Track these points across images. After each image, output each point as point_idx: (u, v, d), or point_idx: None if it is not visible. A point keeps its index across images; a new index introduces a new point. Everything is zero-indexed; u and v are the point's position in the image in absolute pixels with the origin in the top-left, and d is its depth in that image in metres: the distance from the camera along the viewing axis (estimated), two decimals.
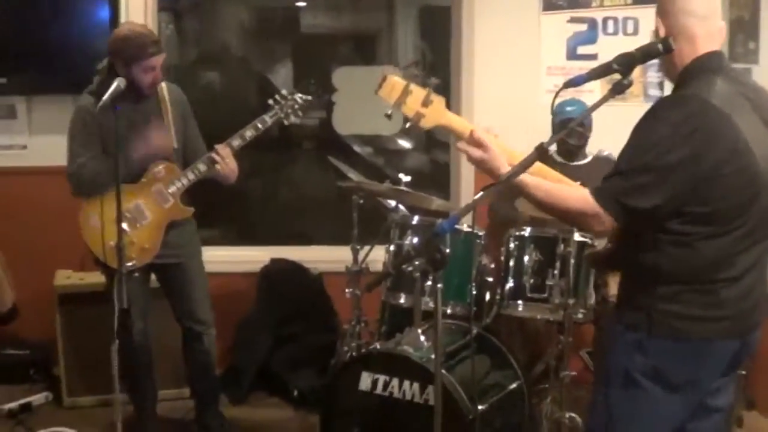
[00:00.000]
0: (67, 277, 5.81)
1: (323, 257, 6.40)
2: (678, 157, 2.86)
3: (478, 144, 3.15)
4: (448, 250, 2.81)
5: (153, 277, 5.12)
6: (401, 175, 4.93)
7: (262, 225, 7.34)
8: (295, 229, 7.17)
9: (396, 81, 3.34)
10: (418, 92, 3.33)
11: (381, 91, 3.34)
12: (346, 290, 5.13)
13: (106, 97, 4.18)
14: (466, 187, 6.35)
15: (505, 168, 3.08)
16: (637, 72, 6.20)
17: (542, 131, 5.52)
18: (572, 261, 4.57)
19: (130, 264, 4.42)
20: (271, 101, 4.97)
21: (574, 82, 3.06)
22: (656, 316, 3.02)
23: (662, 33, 3.07)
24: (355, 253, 5.17)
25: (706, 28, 3.09)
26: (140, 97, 4.77)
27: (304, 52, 7.48)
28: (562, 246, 4.60)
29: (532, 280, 4.68)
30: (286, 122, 5.00)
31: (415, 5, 7.60)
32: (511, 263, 4.75)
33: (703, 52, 3.06)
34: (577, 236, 4.60)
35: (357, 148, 7.18)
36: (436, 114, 3.33)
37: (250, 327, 6.06)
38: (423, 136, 7.27)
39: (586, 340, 5.69)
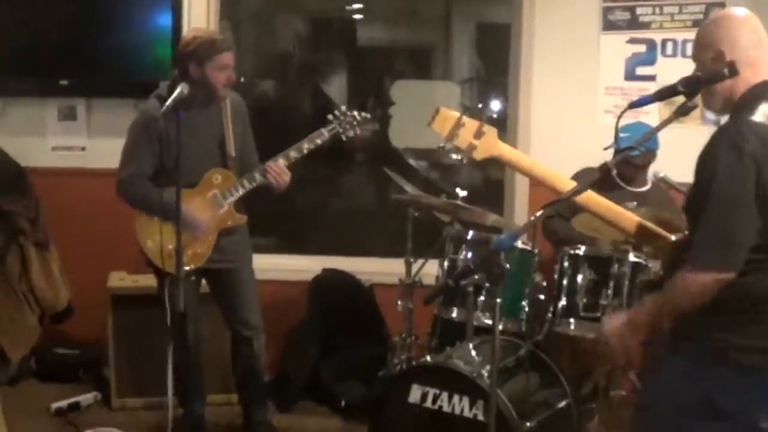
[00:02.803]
0: (120, 279, 5.83)
1: (375, 269, 6.40)
2: (750, 183, 2.86)
3: None
4: (503, 263, 2.79)
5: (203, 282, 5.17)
6: (458, 190, 4.92)
7: (315, 235, 7.36)
8: (347, 240, 7.14)
9: (448, 113, 3.39)
10: (470, 124, 3.38)
11: (434, 123, 3.39)
12: (399, 303, 5.11)
13: (168, 102, 4.26)
14: (520, 204, 6.33)
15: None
16: None
17: (599, 151, 5.51)
18: (626, 281, 4.56)
19: (186, 268, 4.47)
20: (330, 116, 4.99)
21: (638, 103, 3.09)
22: (712, 346, 3.01)
23: (725, 59, 3.05)
24: (409, 266, 5.14)
25: (766, 56, 3.09)
26: (214, 98, 4.83)
27: (359, 65, 7.50)
28: (616, 266, 4.59)
29: (585, 299, 4.65)
30: (344, 137, 5.01)
31: (472, 21, 7.59)
32: (565, 281, 4.73)
33: (759, 80, 3.06)
34: (632, 257, 4.59)
35: (411, 161, 7.17)
36: (489, 145, 3.38)
37: (300, 335, 6.07)
38: None
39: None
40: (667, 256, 3.45)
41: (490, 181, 7.14)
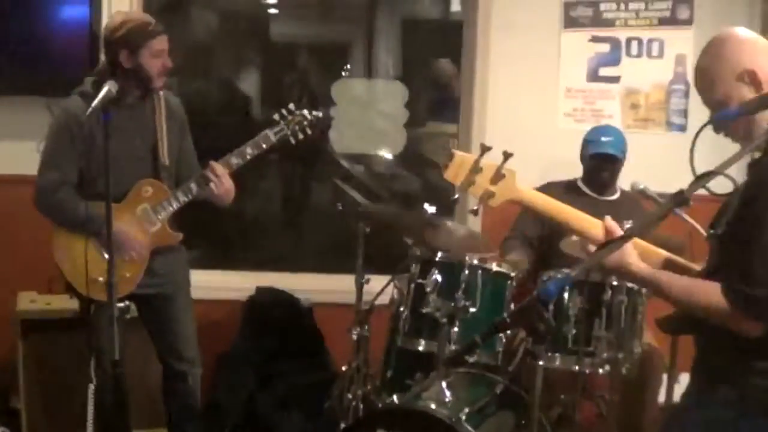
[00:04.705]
0: (31, 301, 5.29)
1: (313, 286, 5.97)
2: None
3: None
4: (549, 317, 2.27)
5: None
6: (426, 206, 4.46)
7: (245, 249, 6.90)
8: (282, 255, 6.72)
9: (464, 158, 3.00)
10: (488, 168, 2.97)
11: (448, 172, 3.00)
12: (353, 331, 4.65)
13: (95, 103, 3.71)
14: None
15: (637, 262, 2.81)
16: (660, 98, 5.84)
17: (559, 157, 5.17)
18: (623, 310, 4.18)
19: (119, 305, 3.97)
20: (276, 116, 4.51)
21: (723, 116, 2.72)
22: (751, 392, 2.76)
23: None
24: (360, 287, 4.71)
25: None
26: (149, 90, 4.34)
27: (275, 62, 7.12)
28: (610, 293, 4.20)
29: (574, 330, 4.25)
30: (292, 140, 4.51)
31: (397, 15, 7.18)
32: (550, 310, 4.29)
33: None
34: (628, 282, 4.17)
35: (345, 164, 6.69)
36: (507, 190, 3.00)
37: (232, 362, 5.59)
38: (412, 156, 6.81)
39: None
40: None
41: (430, 187, 6.69)
